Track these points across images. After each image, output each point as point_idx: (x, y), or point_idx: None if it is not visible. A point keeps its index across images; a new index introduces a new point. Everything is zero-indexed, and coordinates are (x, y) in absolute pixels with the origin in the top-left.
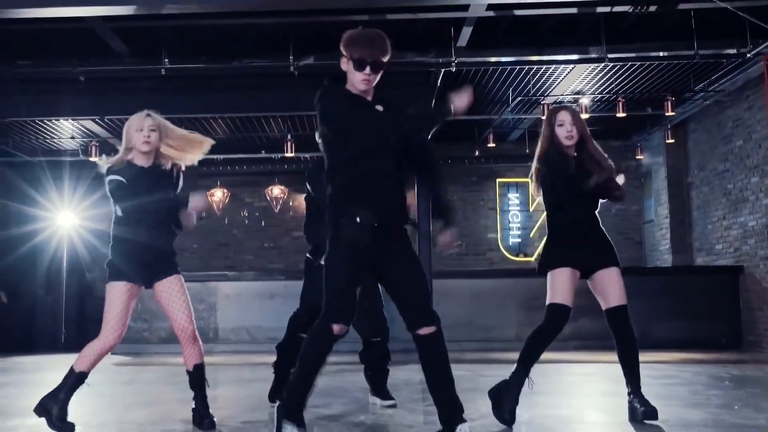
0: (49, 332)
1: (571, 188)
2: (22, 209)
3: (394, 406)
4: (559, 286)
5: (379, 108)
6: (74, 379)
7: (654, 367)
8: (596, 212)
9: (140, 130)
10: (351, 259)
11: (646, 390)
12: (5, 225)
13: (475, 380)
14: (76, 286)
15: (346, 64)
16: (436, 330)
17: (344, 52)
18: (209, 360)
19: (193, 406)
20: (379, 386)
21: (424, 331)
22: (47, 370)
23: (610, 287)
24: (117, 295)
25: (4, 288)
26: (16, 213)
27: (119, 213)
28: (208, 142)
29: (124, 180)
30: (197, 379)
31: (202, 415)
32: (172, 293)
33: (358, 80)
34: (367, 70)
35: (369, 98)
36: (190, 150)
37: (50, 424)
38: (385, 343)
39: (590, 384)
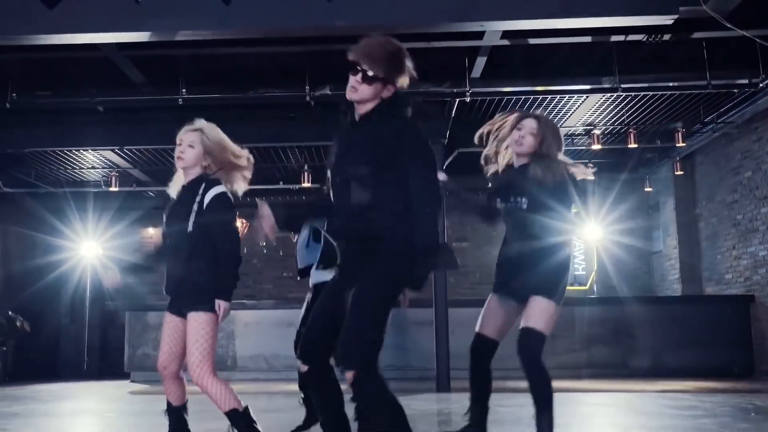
0: (73, 360)
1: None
2: (46, 239)
3: None
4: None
5: (356, 133)
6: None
7: (672, 396)
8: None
9: (179, 144)
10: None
11: (675, 424)
12: (30, 255)
13: (493, 411)
14: (99, 316)
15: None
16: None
17: None
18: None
19: None
20: None
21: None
22: (63, 399)
23: (528, 312)
24: (164, 324)
25: (28, 317)
26: (40, 243)
27: None
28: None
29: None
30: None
31: None
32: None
33: (348, 86)
34: (358, 76)
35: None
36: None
37: None
38: None
39: (605, 416)
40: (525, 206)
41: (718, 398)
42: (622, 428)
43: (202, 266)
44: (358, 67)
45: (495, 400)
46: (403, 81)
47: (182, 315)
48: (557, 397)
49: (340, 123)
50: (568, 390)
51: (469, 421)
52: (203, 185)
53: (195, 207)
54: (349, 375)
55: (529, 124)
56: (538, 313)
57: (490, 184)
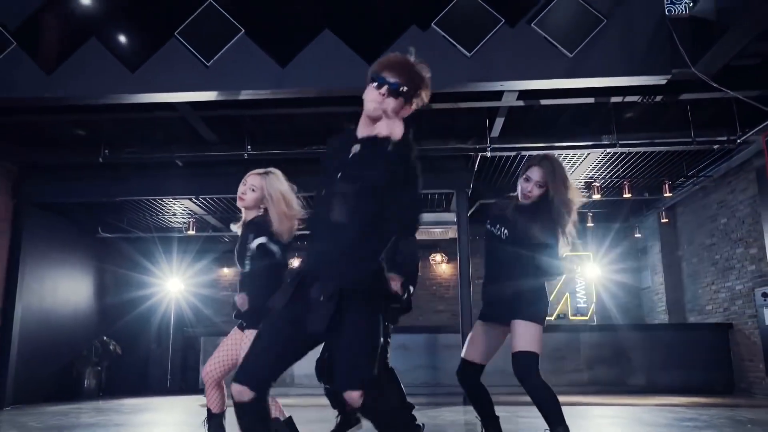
0: (158, 378)
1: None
2: (136, 277)
3: None
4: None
5: (355, 149)
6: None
7: (670, 409)
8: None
9: (243, 184)
10: None
11: None
12: (123, 290)
13: (514, 422)
14: (180, 341)
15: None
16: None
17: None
18: (286, 402)
19: None
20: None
21: None
22: (141, 411)
23: (514, 336)
24: (228, 336)
25: (121, 342)
26: (132, 280)
27: None
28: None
29: None
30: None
31: None
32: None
33: (366, 99)
34: (374, 86)
35: (360, 135)
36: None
37: None
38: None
39: (619, 427)
40: (505, 237)
41: (712, 411)
42: None
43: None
44: (384, 80)
45: (513, 412)
46: (424, 97)
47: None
48: (570, 411)
49: (344, 135)
50: (577, 404)
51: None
52: (254, 231)
53: (248, 252)
54: (356, 395)
55: (535, 175)
56: (523, 334)
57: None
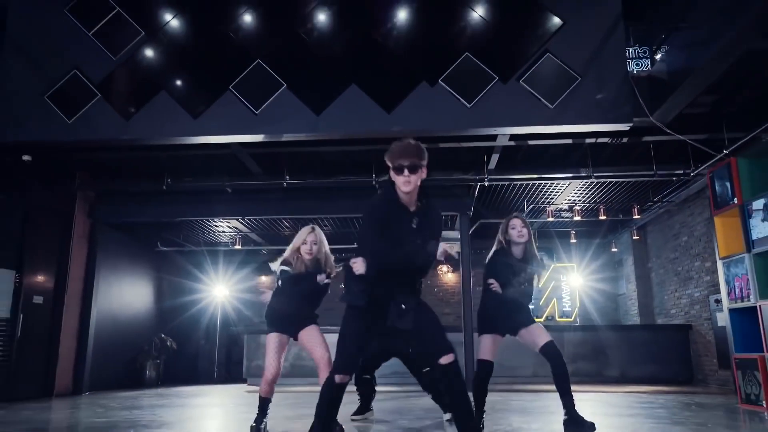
0: (206, 370)
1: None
2: (189, 284)
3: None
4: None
5: (415, 223)
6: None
7: (636, 396)
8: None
9: (305, 243)
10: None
11: (639, 412)
12: (177, 295)
13: (506, 404)
14: (226, 338)
15: (391, 173)
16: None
17: (388, 164)
18: (308, 389)
19: None
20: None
21: None
22: (201, 396)
23: (536, 336)
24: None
25: (176, 339)
26: (185, 287)
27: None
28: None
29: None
30: None
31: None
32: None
33: (401, 183)
34: (406, 173)
35: (412, 209)
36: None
37: None
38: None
39: (587, 407)
40: (525, 286)
41: (669, 397)
42: (606, 414)
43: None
44: (402, 167)
45: (506, 396)
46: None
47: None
48: (556, 397)
49: (388, 202)
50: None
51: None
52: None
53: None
54: (452, 355)
55: (515, 223)
56: (542, 331)
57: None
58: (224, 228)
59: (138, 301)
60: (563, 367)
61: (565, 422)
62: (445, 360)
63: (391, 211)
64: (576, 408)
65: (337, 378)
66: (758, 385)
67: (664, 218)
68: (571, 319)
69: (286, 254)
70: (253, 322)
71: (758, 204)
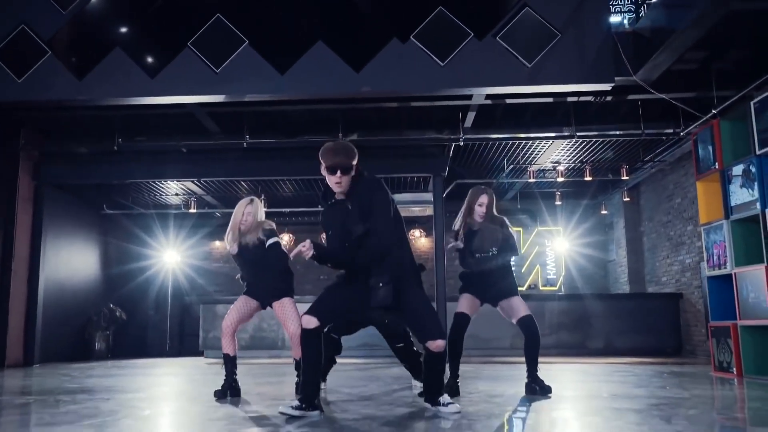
0: (157, 342)
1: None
2: (137, 250)
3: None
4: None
5: (349, 206)
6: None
7: (614, 366)
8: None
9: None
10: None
11: (609, 378)
12: (124, 261)
13: (477, 373)
14: (178, 308)
15: (323, 170)
16: None
17: (321, 162)
18: (279, 361)
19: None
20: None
21: None
22: (160, 367)
23: (515, 309)
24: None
25: (124, 308)
26: (132, 252)
27: None
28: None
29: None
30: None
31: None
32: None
33: (332, 183)
34: (338, 174)
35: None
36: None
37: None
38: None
39: (569, 375)
40: (496, 252)
41: (646, 368)
42: (578, 381)
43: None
44: (335, 168)
45: (480, 368)
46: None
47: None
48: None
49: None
50: (542, 363)
51: (450, 379)
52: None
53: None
54: (442, 342)
55: (484, 200)
56: (522, 305)
57: (460, 244)
58: (177, 190)
59: (85, 269)
60: (536, 341)
61: (527, 385)
62: (433, 347)
63: (331, 210)
64: (538, 373)
65: (304, 319)
66: (730, 352)
67: (658, 177)
68: (556, 288)
69: (229, 233)
70: (206, 291)
71: (737, 170)
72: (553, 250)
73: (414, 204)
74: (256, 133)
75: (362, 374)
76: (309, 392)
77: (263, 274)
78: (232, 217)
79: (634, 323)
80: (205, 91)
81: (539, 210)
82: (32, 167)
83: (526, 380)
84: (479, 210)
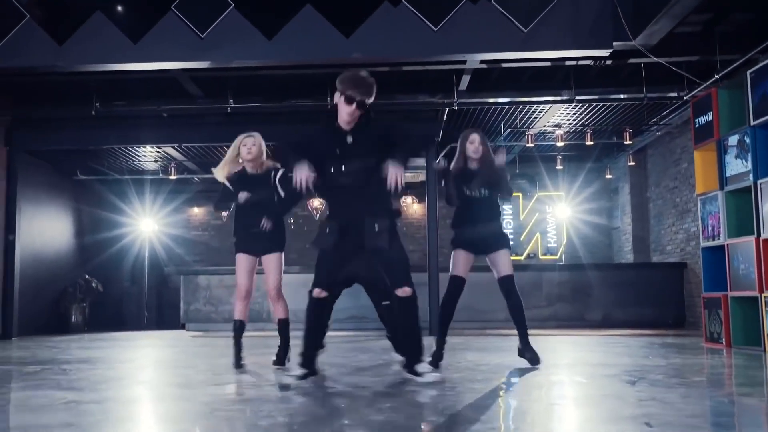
0: (134, 315)
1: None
2: (111, 217)
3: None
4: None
5: (349, 139)
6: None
7: (609, 338)
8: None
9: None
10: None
11: (596, 349)
12: (98, 230)
13: (467, 344)
14: (156, 279)
15: (337, 98)
16: None
17: (338, 88)
18: (264, 334)
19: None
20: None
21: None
22: (145, 339)
23: (500, 265)
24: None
25: (99, 279)
26: (107, 220)
27: None
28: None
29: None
30: (281, 329)
31: (280, 357)
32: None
33: (345, 113)
34: (354, 106)
35: (346, 128)
36: None
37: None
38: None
39: (554, 346)
40: (486, 193)
41: (642, 339)
42: (564, 351)
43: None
44: (352, 98)
45: (471, 340)
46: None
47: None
48: (532, 338)
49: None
50: (536, 335)
51: (435, 347)
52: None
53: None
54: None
55: (474, 138)
56: (508, 261)
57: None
58: (155, 156)
59: (59, 238)
60: (518, 300)
61: (519, 351)
62: (401, 293)
63: (327, 138)
64: (529, 338)
65: (314, 292)
66: (720, 323)
67: (666, 140)
68: (557, 257)
69: (226, 165)
70: (185, 260)
71: (733, 140)
72: (554, 217)
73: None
74: (241, 96)
75: (352, 346)
76: (311, 355)
77: (258, 218)
78: (230, 150)
79: (636, 294)
80: (190, 57)
81: (539, 174)
82: (4, 132)
83: (518, 346)
84: (471, 148)
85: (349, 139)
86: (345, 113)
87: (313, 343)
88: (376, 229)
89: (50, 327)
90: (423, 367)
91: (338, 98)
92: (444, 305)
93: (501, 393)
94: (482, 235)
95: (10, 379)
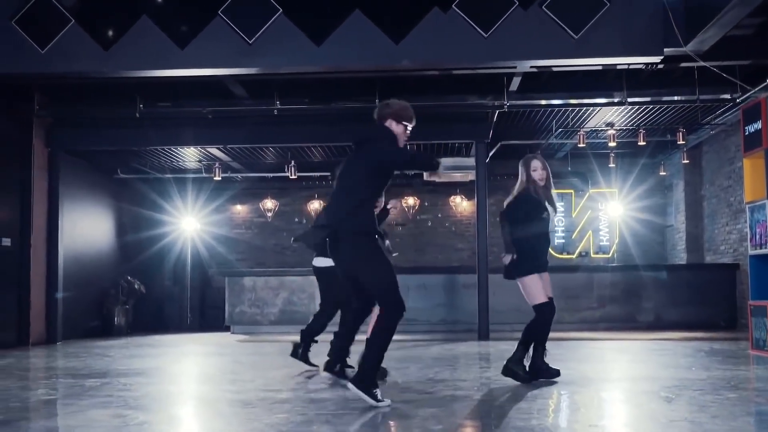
0: (176, 316)
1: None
2: (153, 216)
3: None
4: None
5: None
6: None
7: (658, 343)
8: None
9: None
10: None
11: (642, 358)
12: (139, 229)
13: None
14: (199, 280)
15: (397, 126)
16: None
17: (401, 119)
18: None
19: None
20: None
21: None
22: (195, 344)
23: (549, 282)
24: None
25: (140, 280)
26: (148, 219)
27: None
28: None
29: None
30: None
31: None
32: None
33: (404, 140)
34: (408, 134)
35: None
36: None
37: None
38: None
39: (599, 354)
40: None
41: (691, 345)
42: (614, 363)
43: None
44: (408, 127)
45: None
46: None
47: None
48: (582, 343)
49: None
50: (587, 339)
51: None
52: None
53: None
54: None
55: (537, 165)
56: (549, 284)
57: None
58: (199, 156)
59: (100, 238)
60: (541, 326)
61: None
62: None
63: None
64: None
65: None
66: (766, 331)
67: (721, 138)
68: (609, 255)
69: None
70: (227, 259)
71: None
72: (607, 215)
73: (455, 170)
74: (287, 97)
75: (400, 354)
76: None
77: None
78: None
79: (688, 295)
80: (238, 63)
81: (592, 171)
82: (44, 133)
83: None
84: (535, 175)
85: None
86: (404, 140)
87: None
88: (387, 243)
89: (94, 330)
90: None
91: (397, 126)
92: (543, 332)
93: (548, 410)
94: (545, 256)
95: (77, 395)
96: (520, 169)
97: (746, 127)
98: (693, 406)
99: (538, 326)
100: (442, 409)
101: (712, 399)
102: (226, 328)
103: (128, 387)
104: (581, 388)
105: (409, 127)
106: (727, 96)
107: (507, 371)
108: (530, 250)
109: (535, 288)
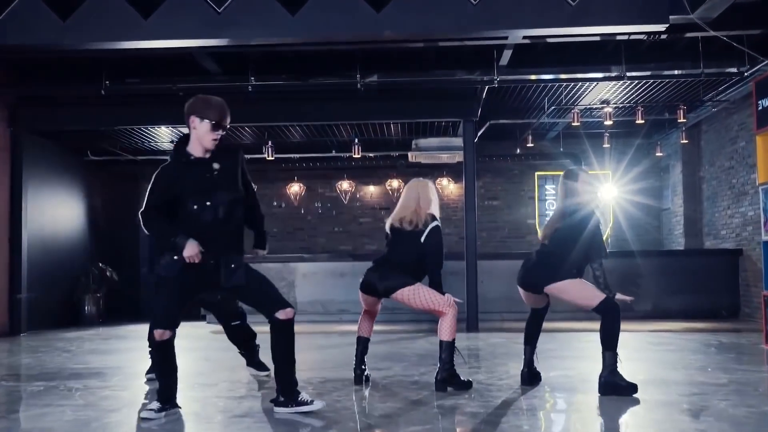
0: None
1: None
2: (126, 200)
3: (267, 376)
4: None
5: (216, 166)
6: None
7: (658, 335)
8: None
9: None
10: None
11: (646, 355)
12: (112, 214)
13: (508, 347)
14: None
15: (199, 124)
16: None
17: (199, 114)
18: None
19: None
20: (252, 360)
21: None
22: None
23: None
24: None
25: (113, 267)
26: (120, 204)
27: None
28: None
29: None
30: None
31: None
32: None
33: (210, 139)
34: (220, 132)
35: (207, 156)
36: None
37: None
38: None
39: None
40: None
41: (695, 336)
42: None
43: None
44: (219, 126)
45: (513, 339)
46: None
47: None
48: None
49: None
50: (580, 330)
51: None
52: None
53: None
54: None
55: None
56: None
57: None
58: (172, 137)
59: (71, 224)
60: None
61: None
62: (283, 315)
63: (184, 172)
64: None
65: (156, 334)
66: None
67: (722, 116)
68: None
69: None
70: None
71: None
72: (601, 198)
73: (441, 150)
74: (263, 74)
75: (384, 350)
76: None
77: None
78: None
79: (687, 282)
80: (207, 34)
81: (585, 152)
82: (7, 112)
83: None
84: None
85: (216, 166)
86: (210, 140)
87: (172, 381)
88: (233, 266)
89: (63, 320)
90: (305, 395)
91: (199, 123)
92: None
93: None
94: None
95: (5, 404)
96: (569, 182)
97: (759, 102)
98: (725, 423)
99: (615, 323)
100: (429, 427)
101: (747, 413)
102: (203, 317)
103: (73, 394)
104: (585, 396)
105: (208, 123)
106: (734, 69)
107: (606, 387)
108: (568, 257)
109: (584, 286)
